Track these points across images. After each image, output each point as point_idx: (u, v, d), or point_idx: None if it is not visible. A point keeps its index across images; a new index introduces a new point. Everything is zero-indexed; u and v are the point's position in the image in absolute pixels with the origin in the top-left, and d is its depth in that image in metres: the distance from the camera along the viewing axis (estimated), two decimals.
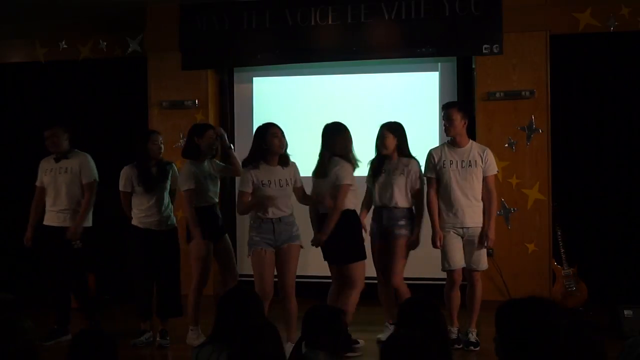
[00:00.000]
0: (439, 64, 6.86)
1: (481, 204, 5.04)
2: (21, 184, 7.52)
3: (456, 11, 6.35)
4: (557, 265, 6.16)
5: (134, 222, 5.38)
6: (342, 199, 4.75)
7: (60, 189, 5.55)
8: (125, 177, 5.34)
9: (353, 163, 4.89)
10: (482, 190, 5.05)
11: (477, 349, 4.99)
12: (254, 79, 7.22)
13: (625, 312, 5.29)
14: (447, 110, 5.03)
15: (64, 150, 5.59)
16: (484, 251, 5.07)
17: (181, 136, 6.93)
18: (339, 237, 4.78)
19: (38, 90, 7.57)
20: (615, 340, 4.87)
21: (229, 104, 7.24)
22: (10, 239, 7.53)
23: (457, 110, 5.01)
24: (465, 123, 5.03)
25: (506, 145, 6.40)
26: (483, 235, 5.00)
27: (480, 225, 5.02)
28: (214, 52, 6.91)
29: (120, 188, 5.39)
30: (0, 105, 7.68)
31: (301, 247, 4.83)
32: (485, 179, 5.06)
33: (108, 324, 5.66)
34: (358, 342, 4.96)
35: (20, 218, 7.47)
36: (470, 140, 5.15)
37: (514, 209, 6.38)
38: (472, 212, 5.01)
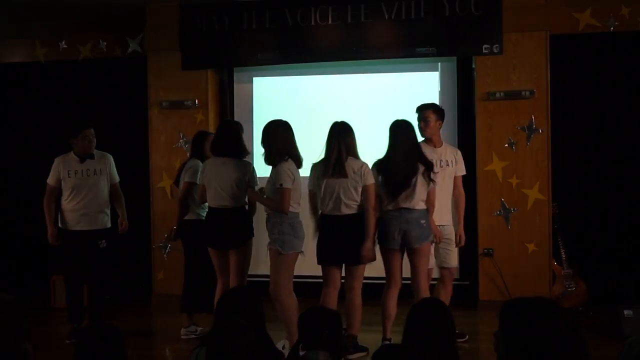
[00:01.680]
0: (439, 64, 6.86)
1: (450, 203, 5.23)
2: (21, 183, 7.54)
3: (456, 11, 6.34)
4: (557, 265, 6.16)
5: (192, 216, 5.41)
6: (374, 198, 4.80)
7: (91, 191, 5.52)
8: (194, 170, 5.37)
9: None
10: (453, 190, 5.30)
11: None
12: (254, 78, 7.22)
13: (625, 312, 5.29)
14: (422, 112, 5.24)
15: (93, 150, 5.60)
16: (455, 249, 5.29)
17: (181, 136, 6.93)
18: (355, 237, 4.79)
19: (38, 90, 7.57)
20: (615, 340, 4.89)
21: (229, 104, 7.24)
22: (10, 239, 7.55)
23: (432, 112, 5.23)
24: (440, 124, 5.27)
25: (506, 145, 6.40)
26: (457, 235, 5.25)
27: (449, 223, 5.22)
28: (214, 52, 6.91)
29: (190, 179, 5.38)
30: (0, 105, 7.68)
31: (279, 252, 4.71)
32: (455, 179, 5.29)
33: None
34: (366, 349, 4.97)
35: (19, 218, 7.52)
36: (443, 142, 5.36)
37: (514, 209, 6.38)
38: (446, 211, 5.20)
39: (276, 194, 4.71)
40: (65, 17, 7.26)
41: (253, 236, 5.24)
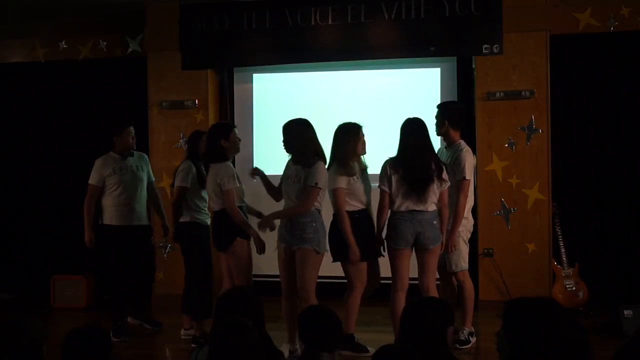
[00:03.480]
0: (439, 63, 6.86)
1: (447, 208, 4.95)
2: (21, 183, 7.54)
3: (456, 11, 6.34)
4: (557, 265, 6.16)
5: (186, 218, 5.37)
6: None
7: (137, 187, 5.67)
8: (186, 172, 5.34)
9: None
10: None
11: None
12: (254, 75, 7.20)
13: (625, 312, 5.29)
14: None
15: (134, 147, 5.80)
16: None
17: (181, 136, 6.94)
18: (341, 236, 4.82)
19: (38, 90, 7.57)
20: (615, 340, 4.89)
21: (229, 104, 7.24)
22: (10, 239, 7.55)
23: (439, 111, 5.20)
24: (446, 124, 5.12)
25: (506, 145, 6.40)
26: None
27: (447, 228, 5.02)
28: (214, 52, 6.91)
29: (181, 183, 5.34)
30: (0, 105, 7.68)
31: (316, 251, 4.69)
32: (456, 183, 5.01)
33: (107, 325, 5.64)
34: (367, 350, 4.95)
35: (19, 217, 7.53)
36: (458, 142, 5.16)
37: (514, 209, 6.38)
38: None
39: (305, 191, 4.65)
40: (65, 17, 7.26)
41: (240, 238, 5.04)
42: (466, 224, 5.16)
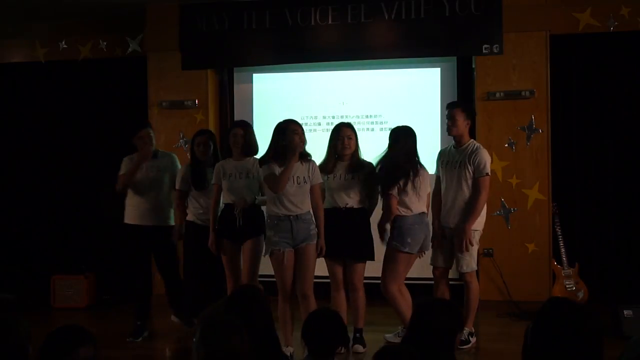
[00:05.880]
0: (439, 63, 6.86)
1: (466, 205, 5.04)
2: (21, 183, 7.54)
3: (456, 11, 6.35)
4: (557, 265, 6.16)
5: (190, 218, 5.36)
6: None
7: (153, 189, 5.45)
8: (182, 175, 5.33)
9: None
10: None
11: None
12: (254, 75, 7.20)
13: (625, 312, 5.28)
14: (450, 110, 5.13)
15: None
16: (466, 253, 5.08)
17: (181, 136, 6.94)
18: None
19: (38, 90, 7.57)
20: (615, 340, 4.89)
21: (229, 104, 7.24)
22: (10, 239, 7.55)
23: (461, 110, 5.10)
24: (468, 124, 5.10)
25: (506, 145, 6.40)
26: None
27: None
28: (214, 52, 6.91)
29: (177, 186, 5.36)
30: (0, 105, 7.68)
31: (316, 248, 4.76)
32: (474, 181, 5.04)
33: (107, 325, 5.65)
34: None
35: (19, 218, 7.52)
36: (471, 141, 5.17)
37: (514, 209, 6.38)
38: (456, 213, 5.07)
39: (316, 190, 4.73)
40: (65, 17, 7.26)
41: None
42: (481, 222, 5.15)
